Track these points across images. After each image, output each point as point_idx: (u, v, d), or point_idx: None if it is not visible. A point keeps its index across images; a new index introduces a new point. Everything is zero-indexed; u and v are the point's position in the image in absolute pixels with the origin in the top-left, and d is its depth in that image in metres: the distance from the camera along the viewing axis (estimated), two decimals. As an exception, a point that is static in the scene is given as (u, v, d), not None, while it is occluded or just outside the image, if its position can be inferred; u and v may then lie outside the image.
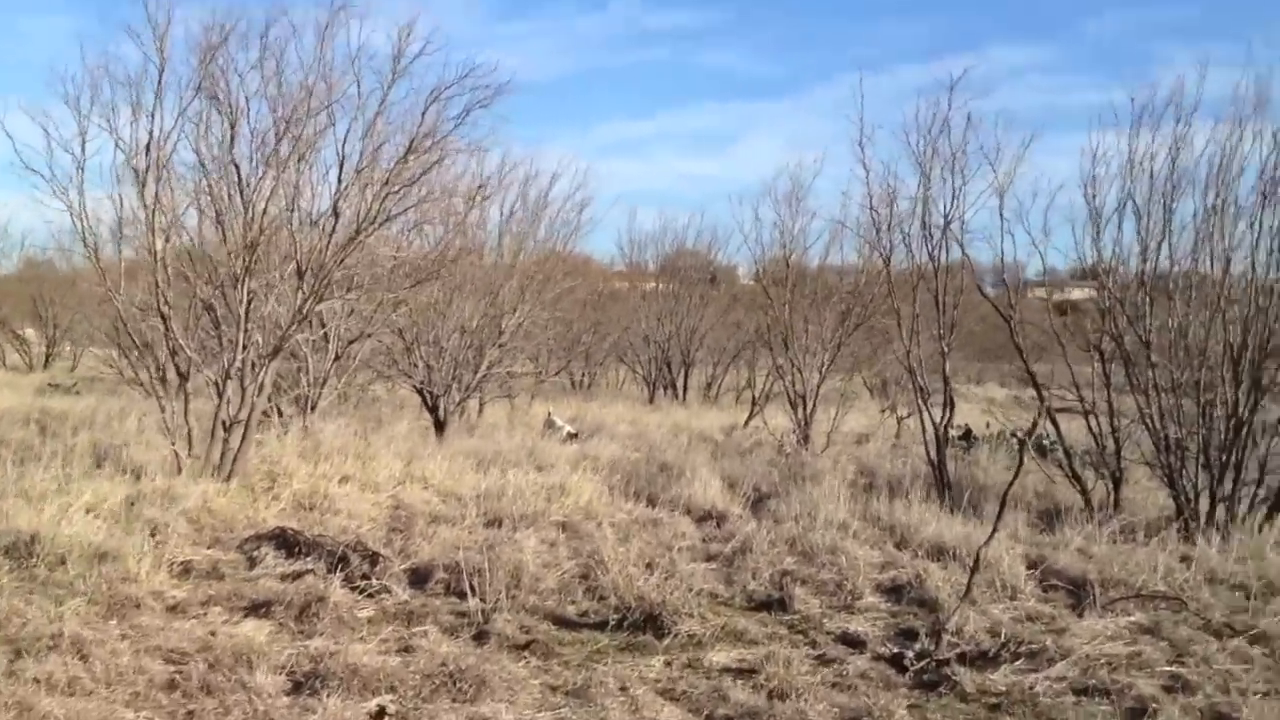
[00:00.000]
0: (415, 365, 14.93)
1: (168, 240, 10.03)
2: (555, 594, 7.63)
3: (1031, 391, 14.78)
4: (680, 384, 26.30)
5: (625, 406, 22.23)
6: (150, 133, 9.86)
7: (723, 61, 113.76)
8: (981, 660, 6.34)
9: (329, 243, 10.54)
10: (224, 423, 10.49)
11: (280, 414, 13.30)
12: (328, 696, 5.37)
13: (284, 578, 7.67)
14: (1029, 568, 8.34)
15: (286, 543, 8.17)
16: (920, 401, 12.03)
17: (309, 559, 7.93)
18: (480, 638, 6.68)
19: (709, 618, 7.06)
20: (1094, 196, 11.12)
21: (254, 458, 10.85)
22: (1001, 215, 11.67)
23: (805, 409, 16.33)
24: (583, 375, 26.81)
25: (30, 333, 30.16)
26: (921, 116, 11.93)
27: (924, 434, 12.25)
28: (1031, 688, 5.91)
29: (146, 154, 9.87)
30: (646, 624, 6.90)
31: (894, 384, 21.57)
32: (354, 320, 13.32)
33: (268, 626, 6.70)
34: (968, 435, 18.01)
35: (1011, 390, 27.83)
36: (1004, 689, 5.94)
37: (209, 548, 8.44)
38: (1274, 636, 6.75)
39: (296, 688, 5.61)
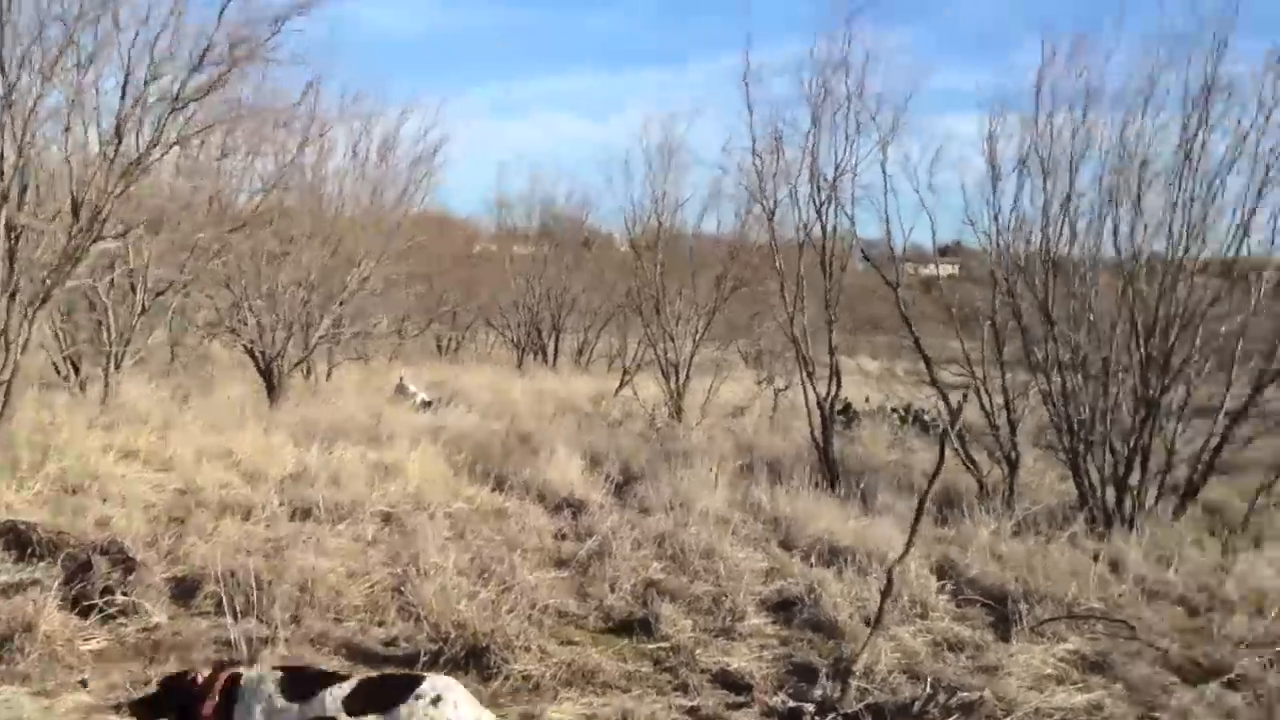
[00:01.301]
0: (244, 322, 12.72)
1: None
2: (359, 614, 5.77)
3: (906, 365, 13.36)
4: (551, 349, 24.41)
5: (492, 372, 20.25)
6: None
7: (605, 25, 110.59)
8: (902, 716, 4.72)
9: (109, 170, 8.33)
10: (-20, 384, 8.26)
11: (77, 372, 11.03)
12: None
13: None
14: (939, 576, 6.80)
15: (20, 542, 6.10)
16: (805, 375, 10.44)
17: (43, 564, 5.88)
18: (240, 684, 4.78)
19: (551, 651, 5.28)
20: (991, 153, 9.70)
21: (24, 426, 8.63)
22: (884, 171, 10.16)
23: (678, 379, 14.67)
24: (450, 338, 24.65)
25: None
26: (817, 53, 10.26)
27: (808, 410, 10.66)
28: (973, 762, 4.30)
29: None
30: (469, 660, 5.11)
31: (770, 354, 20.12)
32: (168, 267, 11.07)
33: (-57, 670, 4.68)
34: (847, 409, 16.63)
35: (884, 362, 26.75)
36: (935, 762, 4.32)
37: (-79, 547, 6.28)
38: (1254, 679, 5.29)
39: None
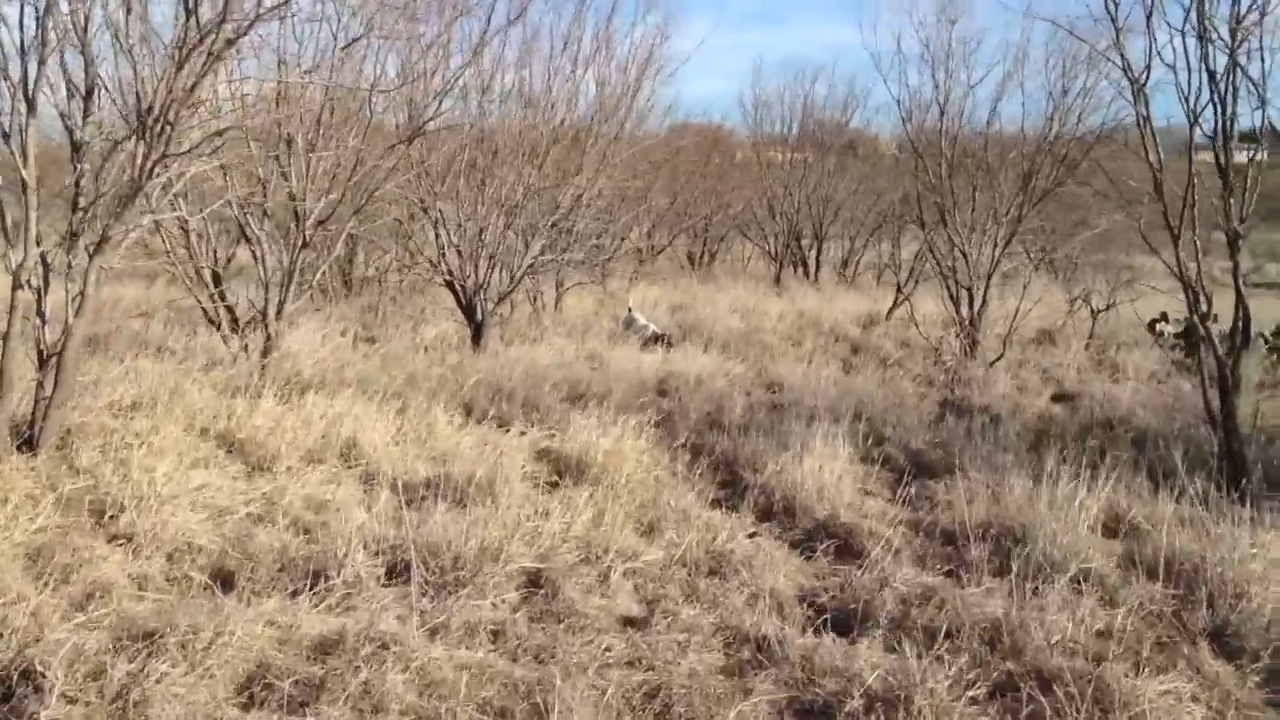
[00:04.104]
0: (442, 253, 9.88)
1: None
2: None
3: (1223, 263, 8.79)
4: (812, 261, 20.56)
5: (745, 290, 16.75)
6: None
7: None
8: None
9: (181, 63, 5.45)
10: (40, 352, 5.75)
11: (235, 322, 8.53)
12: None
13: None
14: None
15: None
16: (1197, 317, 6.31)
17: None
18: None
19: None
20: None
21: (101, 409, 6.07)
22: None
23: (972, 304, 10.65)
24: (701, 252, 21.26)
25: None
26: None
27: (1200, 366, 6.58)
28: None
29: None
30: None
31: (1074, 265, 15.44)
32: (332, 193, 8.25)
33: None
34: (1190, 333, 12.00)
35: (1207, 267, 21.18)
36: None
37: None
38: None
39: None
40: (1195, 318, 6.29)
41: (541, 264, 10.53)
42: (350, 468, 5.67)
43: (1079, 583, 4.30)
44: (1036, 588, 4.21)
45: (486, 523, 4.60)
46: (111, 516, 4.76)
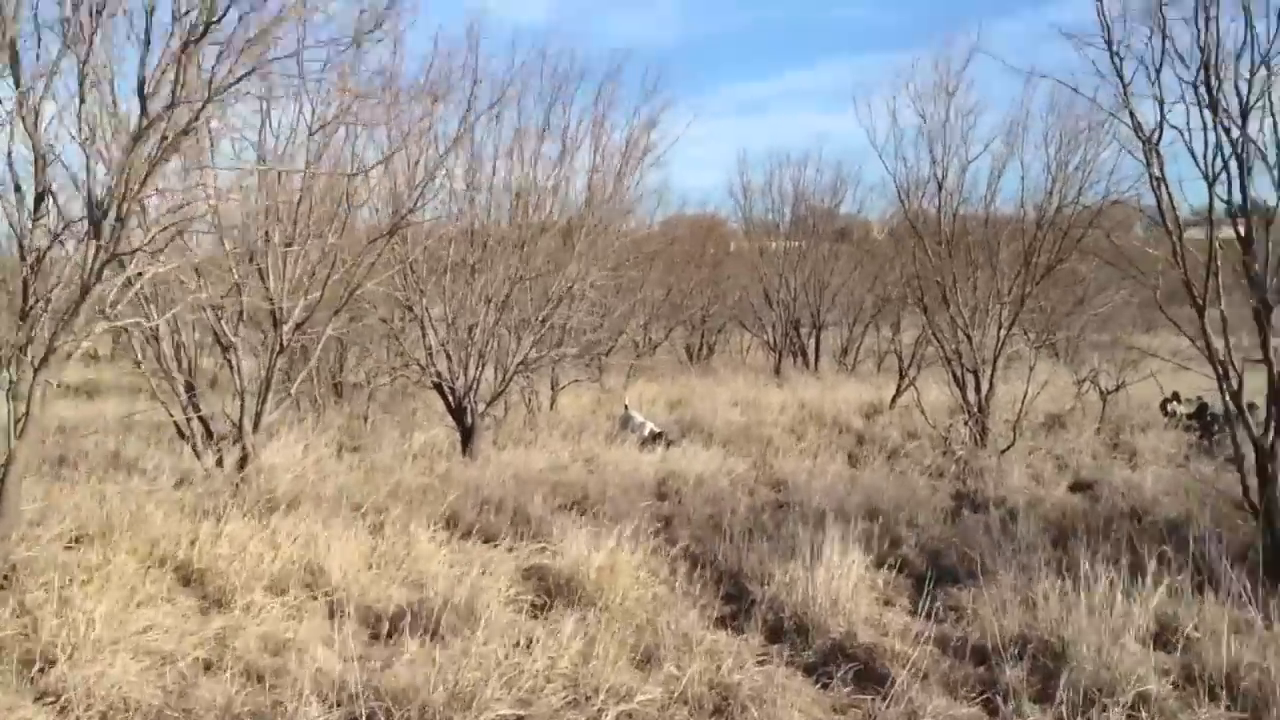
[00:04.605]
0: (429, 354, 9.47)
1: None
2: None
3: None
4: (811, 350, 20.16)
5: (745, 382, 16.29)
6: None
7: (852, 15, 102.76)
8: None
9: (135, 150, 5.11)
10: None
11: (209, 435, 8.05)
12: None
13: None
14: None
15: None
16: (1227, 395, 5.84)
17: None
18: None
19: None
20: None
21: (53, 533, 5.56)
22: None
23: (979, 388, 10.18)
24: (700, 345, 20.88)
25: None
26: None
27: (1233, 448, 6.08)
28: None
29: None
30: None
31: (1075, 345, 15.07)
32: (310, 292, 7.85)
33: None
34: (1202, 412, 11.52)
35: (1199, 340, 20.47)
36: None
37: None
38: None
39: None
40: (1227, 397, 5.82)
41: (534, 360, 10.10)
42: (315, 598, 5.13)
43: (1136, 709, 3.75)
44: (1089, 717, 3.66)
45: (460, 662, 4.05)
46: (41, 670, 4.22)
